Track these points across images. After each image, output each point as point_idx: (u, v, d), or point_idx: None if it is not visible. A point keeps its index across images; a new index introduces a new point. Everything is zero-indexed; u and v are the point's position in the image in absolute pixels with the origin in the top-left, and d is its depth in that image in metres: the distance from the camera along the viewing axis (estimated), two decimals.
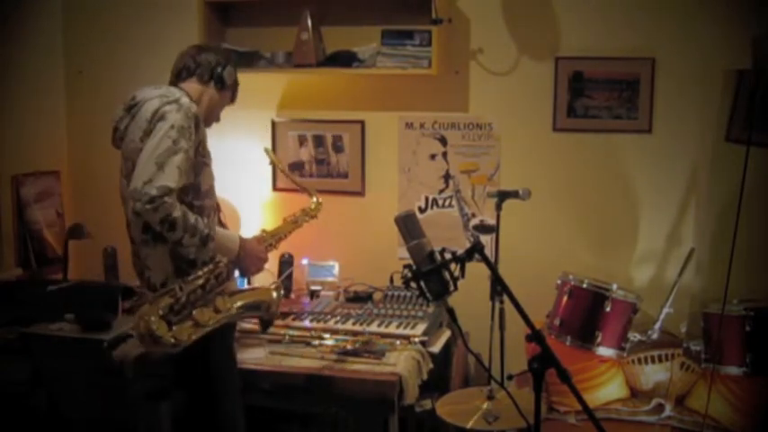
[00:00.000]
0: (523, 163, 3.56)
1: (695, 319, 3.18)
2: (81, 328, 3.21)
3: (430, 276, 2.04)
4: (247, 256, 2.63)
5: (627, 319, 3.09)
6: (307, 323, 3.22)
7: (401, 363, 2.90)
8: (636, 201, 3.45)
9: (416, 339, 3.06)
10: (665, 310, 3.13)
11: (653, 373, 3.20)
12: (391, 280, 3.23)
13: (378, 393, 2.80)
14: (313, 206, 3.06)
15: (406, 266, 2.07)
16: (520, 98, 3.53)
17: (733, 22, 3.23)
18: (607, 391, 3.21)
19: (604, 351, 3.08)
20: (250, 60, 3.58)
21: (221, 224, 2.68)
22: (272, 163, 3.13)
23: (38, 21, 3.93)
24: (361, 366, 2.90)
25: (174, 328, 2.36)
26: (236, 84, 2.79)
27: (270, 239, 2.81)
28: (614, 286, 3.09)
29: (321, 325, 3.20)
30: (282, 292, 2.83)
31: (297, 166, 3.81)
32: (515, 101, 3.54)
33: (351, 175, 3.77)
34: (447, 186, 3.66)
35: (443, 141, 3.65)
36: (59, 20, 4.03)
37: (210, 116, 2.74)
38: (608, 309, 3.06)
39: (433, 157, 3.67)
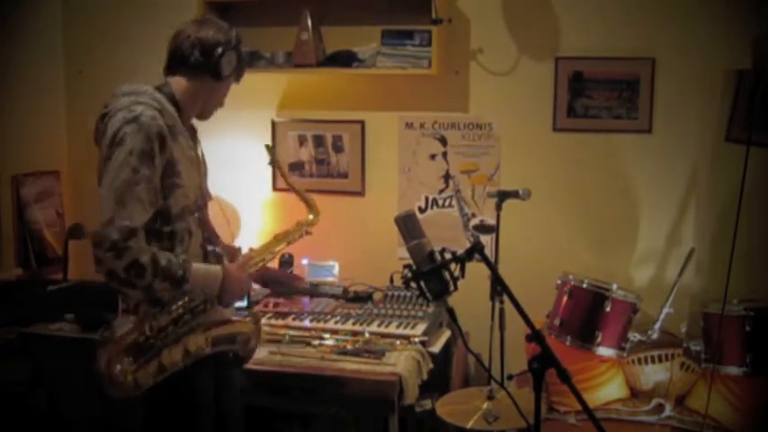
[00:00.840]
0: (523, 163, 3.56)
1: (695, 319, 3.18)
2: (81, 328, 3.21)
3: (430, 276, 2.04)
4: (227, 291, 2.28)
5: (627, 319, 3.09)
6: (307, 323, 3.22)
7: (401, 363, 2.90)
8: (636, 201, 3.45)
9: (416, 339, 3.06)
10: (665, 310, 3.13)
11: (653, 373, 3.20)
12: (391, 280, 3.23)
13: (378, 393, 2.80)
14: (310, 219, 2.74)
15: (406, 266, 2.07)
16: (520, 98, 3.53)
17: (733, 22, 3.23)
18: (607, 391, 3.21)
19: (604, 351, 3.08)
20: (250, 60, 3.58)
21: (208, 241, 2.38)
22: (273, 162, 2.78)
23: (38, 21, 3.93)
24: (361, 366, 2.89)
25: (137, 370, 2.11)
26: (239, 66, 2.41)
27: (257, 259, 2.50)
28: (614, 286, 3.09)
29: (321, 325, 3.20)
30: (261, 323, 2.54)
31: (297, 167, 3.81)
32: (515, 101, 3.54)
33: (351, 175, 3.77)
34: (447, 186, 3.66)
35: (443, 141, 3.65)
36: (59, 20, 4.03)
37: (207, 109, 2.43)
38: (608, 309, 3.05)
39: (433, 157, 3.67)
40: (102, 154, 2.17)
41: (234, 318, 2.37)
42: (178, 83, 2.33)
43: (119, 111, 2.16)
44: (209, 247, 2.35)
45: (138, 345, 2.12)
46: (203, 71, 2.32)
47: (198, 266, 2.22)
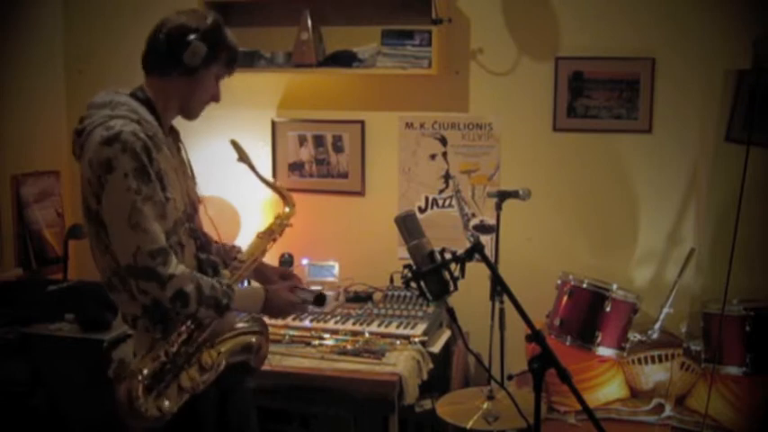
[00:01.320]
0: (523, 163, 3.56)
1: (695, 319, 3.18)
2: (81, 328, 3.21)
3: (430, 276, 2.04)
4: (272, 309, 2.29)
5: (627, 319, 3.09)
6: (307, 323, 3.22)
7: (401, 363, 2.90)
8: (636, 201, 3.45)
9: (416, 339, 3.06)
10: (665, 310, 3.13)
11: (653, 373, 3.20)
12: (391, 280, 3.23)
13: (378, 393, 2.80)
14: (288, 211, 2.56)
15: (406, 266, 2.07)
16: (520, 98, 3.53)
17: (733, 22, 3.23)
18: (607, 391, 3.21)
19: (604, 351, 3.08)
20: (250, 60, 3.58)
21: (201, 249, 2.25)
22: (242, 159, 2.49)
23: (38, 21, 3.93)
24: (361, 366, 2.89)
25: (158, 398, 2.04)
26: (213, 56, 2.15)
27: (249, 263, 2.39)
28: (614, 286, 3.09)
29: (321, 325, 3.19)
30: (269, 330, 2.45)
31: (297, 166, 3.81)
32: (515, 101, 3.54)
33: (351, 175, 3.76)
34: (447, 186, 3.66)
35: (443, 141, 3.65)
36: (59, 20, 4.03)
37: (188, 108, 2.22)
38: (608, 309, 3.06)
39: (433, 157, 3.67)
40: (86, 174, 2.04)
41: (240, 325, 2.33)
42: (151, 84, 2.19)
43: (96, 127, 2.04)
44: (203, 256, 2.26)
45: (154, 373, 2.05)
46: (170, 66, 2.14)
47: (242, 291, 2.22)
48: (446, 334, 3.30)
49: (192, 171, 2.33)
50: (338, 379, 2.84)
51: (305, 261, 3.68)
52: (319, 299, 2.46)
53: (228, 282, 2.19)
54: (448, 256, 2.05)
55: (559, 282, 3.21)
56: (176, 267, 2.02)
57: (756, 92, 3.14)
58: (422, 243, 2.08)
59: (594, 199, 3.50)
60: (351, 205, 3.77)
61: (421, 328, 3.15)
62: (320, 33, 3.56)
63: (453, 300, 2.09)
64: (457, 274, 2.04)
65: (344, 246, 3.74)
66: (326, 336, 3.10)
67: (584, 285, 3.12)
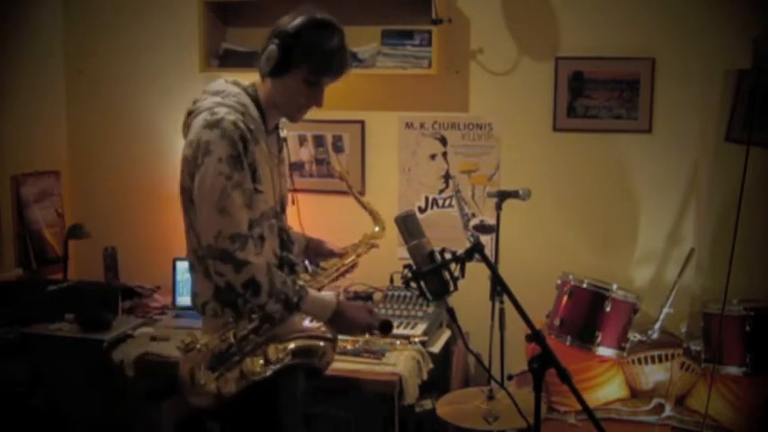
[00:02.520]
0: (523, 163, 3.56)
1: (695, 319, 3.18)
2: (81, 328, 3.21)
3: (430, 276, 2.04)
4: (340, 325, 2.32)
5: (627, 319, 3.09)
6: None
7: (401, 363, 2.90)
8: (636, 201, 3.45)
9: (416, 339, 3.06)
10: (665, 310, 3.13)
11: (653, 373, 3.20)
12: (391, 280, 3.23)
13: (378, 393, 2.80)
14: (377, 230, 2.71)
15: (406, 266, 2.07)
16: (520, 98, 3.53)
17: (733, 21, 3.23)
18: (607, 391, 3.21)
19: (604, 351, 3.08)
20: (250, 60, 3.58)
21: (283, 248, 2.33)
22: (341, 178, 2.71)
23: (38, 21, 3.93)
24: (361, 366, 2.90)
25: (219, 378, 2.11)
26: (289, 59, 2.17)
27: (331, 271, 2.51)
28: (614, 286, 3.09)
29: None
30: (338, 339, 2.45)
31: (297, 166, 3.81)
32: (515, 101, 3.54)
33: (351, 175, 3.76)
34: (447, 186, 3.66)
35: (443, 141, 3.65)
36: (59, 20, 4.03)
37: (286, 109, 2.31)
38: (608, 309, 3.06)
39: (433, 157, 3.66)
40: (186, 153, 2.16)
41: (311, 329, 2.37)
42: (260, 83, 2.28)
43: (202, 111, 2.16)
44: (284, 253, 2.33)
45: (220, 353, 2.12)
46: (262, 68, 2.23)
47: (314, 295, 2.24)
48: (446, 334, 3.30)
49: (289, 172, 2.45)
50: (338, 379, 2.84)
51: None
52: (385, 326, 2.44)
53: (303, 284, 2.24)
54: (448, 256, 2.05)
55: (559, 282, 3.21)
56: (254, 256, 2.09)
57: (756, 92, 3.14)
58: (422, 243, 2.08)
59: (594, 199, 3.50)
60: (351, 205, 3.76)
61: (421, 328, 3.15)
62: None
63: (453, 300, 2.09)
64: (457, 274, 2.05)
65: (344, 246, 3.73)
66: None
67: (584, 285, 3.12)
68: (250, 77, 2.52)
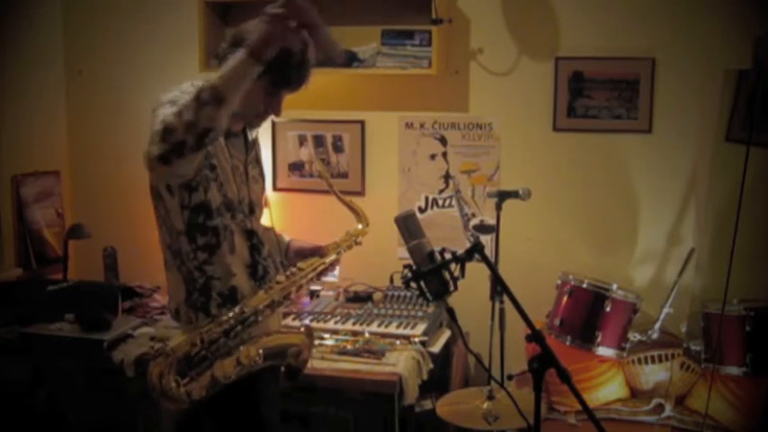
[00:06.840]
0: (523, 163, 3.56)
1: (695, 319, 3.18)
2: (81, 328, 3.21)
3: (430, 276, 2.04)
4: (262, 43, 2.07)
5: (627, 319, 3.09)
6: (307, 323, 3.22)
7: (401, 363, 2.90)
8: (636, 201, 3.45)
9: (416, 339, 3.06)
10: (665, 310, 3.13)
11: (653, 373, 3.20)
12: (391, 280, 3.23)
13: (378, 393, 2.80)
14: (360, 228, 2.61)
15: (406, 266, 2.07)
16: (520, 98, 3.53)
17: (733, 22, 3.23)
18: (607, 391, 3.21)
19: (604, 351, 3.08)
20: None
21: (255, 249, 2.30)
22: (321, 175, 2.64)
23: (38, 21, 3.93)
24: (361, 366, 2.90)
25: (189, 382, 2.08)
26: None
27: (308, 271, 2.41)
28: (614, 286, 3.09)
29: (321, 325, 3.19)
30: (314, 336, 2.45)
31: (297, 166, 3.81)
32: (515, 101, 3.54)
33: (351, 175, 3.76)
34: (447, 186, 3.66)
35: (443, 141, 3.65)
36: (59, 20, 4.03)
37: (243, 114, 2.23)
38: (608, 309, 3.06)
39: (433, 157, 3.67)
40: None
41: (285, 330, 2.34)
42: None
43: (165, 103, 2.10)
44: (256, 257, 2.29)
45: (190, 357, 2.09)
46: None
47: (227, 65, 2.04)
48: (446, 334, 3.30)
49: (262, 180, 2.40)
50: (338, 379, 2.84)
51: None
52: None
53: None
54: (448, 256, 2.04)
55: (559, 282, 3.21)
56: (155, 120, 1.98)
57: (756, 92, 3.14)
58: (422, 243, 2.08)
59: (594, 199, 3.50)
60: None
61: (421, 328, 3.15)
62: None
63: (453, 300, 2.09)
64: (457, 274, 2.04)
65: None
66: (326, 336, 3.10)
67: (584, 285, 3.12)
68: None
